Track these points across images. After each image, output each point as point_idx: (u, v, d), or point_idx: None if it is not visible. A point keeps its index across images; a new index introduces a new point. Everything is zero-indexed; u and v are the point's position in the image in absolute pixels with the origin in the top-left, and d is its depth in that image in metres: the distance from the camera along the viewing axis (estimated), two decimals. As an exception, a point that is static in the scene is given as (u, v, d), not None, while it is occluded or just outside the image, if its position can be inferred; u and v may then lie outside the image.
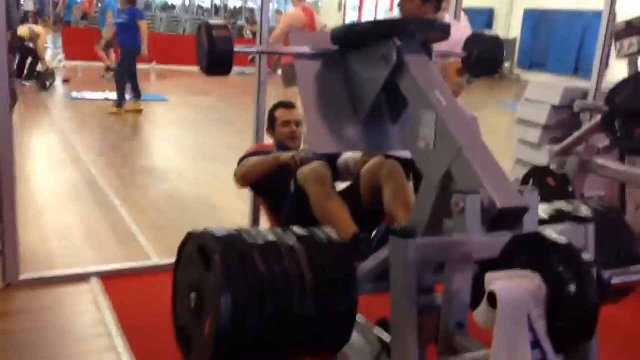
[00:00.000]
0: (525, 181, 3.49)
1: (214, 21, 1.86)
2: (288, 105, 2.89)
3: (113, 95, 9.64)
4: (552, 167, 3.46)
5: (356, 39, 1.92)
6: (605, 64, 3.75)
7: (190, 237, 1.69)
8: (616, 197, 4.11)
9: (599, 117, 3.08)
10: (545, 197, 2.90)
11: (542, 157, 3.85)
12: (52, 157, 5.80)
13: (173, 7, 19.07)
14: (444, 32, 1.90)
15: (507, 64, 18.66)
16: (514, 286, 1.21)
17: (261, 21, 3.13)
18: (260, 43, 3.19)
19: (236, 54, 1.83)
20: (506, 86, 16.48)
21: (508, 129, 4.47)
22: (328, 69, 2.00)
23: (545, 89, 4.17)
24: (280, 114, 2.88)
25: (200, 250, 1.61)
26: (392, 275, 1.47)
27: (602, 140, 3.27)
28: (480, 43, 2.18)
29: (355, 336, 1.99)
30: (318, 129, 1.94)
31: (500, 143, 5.99)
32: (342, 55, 1.98)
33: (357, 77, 1.95)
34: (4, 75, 2.60)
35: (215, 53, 1.80)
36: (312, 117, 1.94)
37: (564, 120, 4.06)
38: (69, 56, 13.40)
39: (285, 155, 2.45)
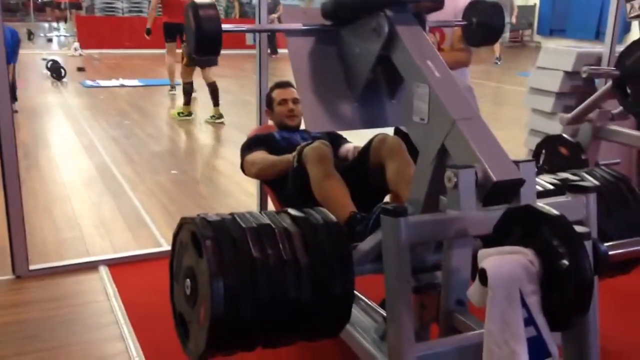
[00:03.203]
0: (537, 151, 3.40)
1: (200, 0, 1.81)
2: (284, 85, 2.89)
3: (128, 82, 9.75)
4: (566, 135, 3.36)
5: (346, 12, 1.86)
6: (618, 27, 3.62)
7: (183, 224, 1.67)
8: (634, 164, 4.00)
9: (610, 82, 2.98)
10: (558, 167, 2.85)
11: (555, 126, 3.75)
12: (65, 145, 5.84)
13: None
14: (437, 0, 1.83)
15: (527, 31, 18.33)
16: (505, 262, 1.17)
17: (259, -1, 3.08)
18: (259, 22, 3.14)
19: (225, 33, 1.78)
20: (526, 54, 16.18)
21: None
22: (321, 45, 1.94)
23: (557, 55, 4.05)
24: (276, 93, 2.90)
25: (192, 236, 1.59)
26: (385, 255, 1.43)
27: (615, 106, 3.17)
28: (478, 11, 2.11)
29: (361, 316, 1.97)
30: (313, 107, 1.89)
31: (518, 113, 5.90)
32: (334, 30, 1.93)
33: (350, 52, 1.90)
34: (3, 69, 2.61)
35: (203, 34, 1.75)
36: (307, 96, 1.89)
37: (577, 87, 3.95)
38: (84, 45, 13.47)
39: (293, 156, 2.44)
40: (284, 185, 2.51)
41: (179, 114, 7.17)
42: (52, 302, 2.63)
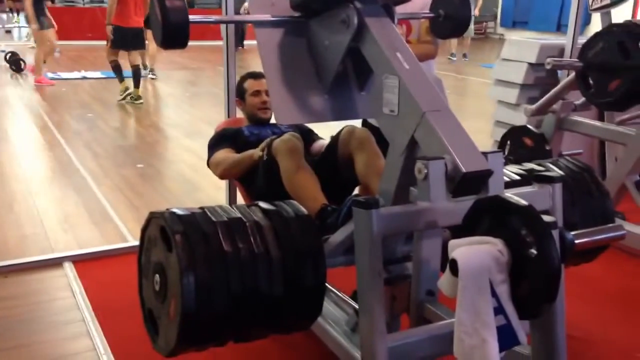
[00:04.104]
0: (503, 142, 3.46)
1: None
2: (257, 75, 2.82)
3: (90, 74, 9.56)
4: (530, 126, 3.42)
5: (316, 3, 1.86)
6: (580, 19, 3.69)
7: (152, 218, 1.64)
8: (596, 154, 4.10)
9: (573, 74, 3.04)
10: (523, 157, 2.90)
11: (520, 117, 3.81)
12: (26, 139, 5.70)
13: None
14: (405, -8, 1.84)
15: (490, 24, 18.56)
16: (475, 252, 1.18)
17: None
18: (226, 12, 3.10)
19: (192, 24, 1.76)
20: (490, 46, 16.39)
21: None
22: (290, 37, 1.93)
23: (521, 47, 4.11)
24: (249, 84, 2.83)
25: (162, 231, 1.57)
26: (357, 247, 1.44)
27: (578, 97, 3.23)
28: (446, 3, 2.12)
29: (332, 308, 1.97)
30: (282, 99, 1.88)
31: (482, 104, 5.97)
32: (303, 21, 1.92)
33: (320, 44, 1.89)
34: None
35: (170, 25, 1.72)
36: (276, 88, 1.88)
37: (541, 78, 4.01)
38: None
39: (257, 152, 2.41)
40: (253, 179, 2.49)
41: (131, 97, 7.33)
42: (14, 300, 2.56)
